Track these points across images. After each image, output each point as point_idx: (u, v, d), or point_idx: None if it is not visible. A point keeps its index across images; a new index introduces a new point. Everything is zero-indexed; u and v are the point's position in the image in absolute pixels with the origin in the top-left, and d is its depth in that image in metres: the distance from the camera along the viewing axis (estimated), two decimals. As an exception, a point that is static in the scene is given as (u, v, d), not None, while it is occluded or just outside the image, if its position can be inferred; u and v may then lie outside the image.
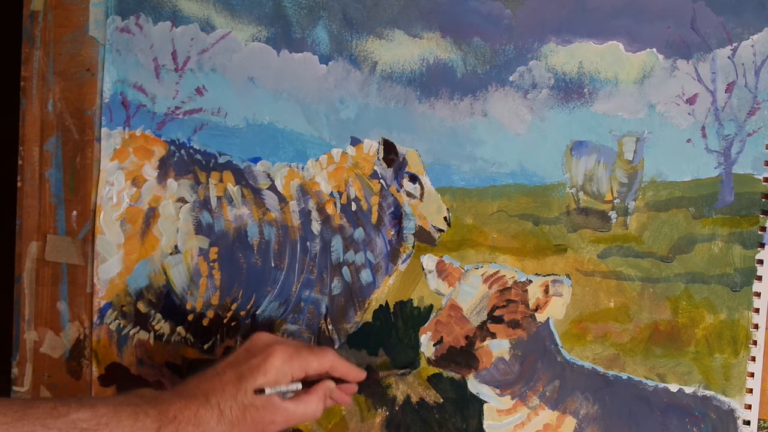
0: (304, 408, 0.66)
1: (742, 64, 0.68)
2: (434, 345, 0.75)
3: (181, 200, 0.80)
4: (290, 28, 0.77)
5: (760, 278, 0.68)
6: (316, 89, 0.77)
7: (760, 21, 0.67)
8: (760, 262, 0.68)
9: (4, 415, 0.60)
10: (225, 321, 0.80)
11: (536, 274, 0.73)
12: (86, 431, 0.62)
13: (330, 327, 0.78)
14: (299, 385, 0.67)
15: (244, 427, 0.65)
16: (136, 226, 0.81)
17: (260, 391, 0.64)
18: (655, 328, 0.70)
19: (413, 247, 0.75)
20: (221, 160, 0.79)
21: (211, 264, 0.80)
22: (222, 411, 0.64)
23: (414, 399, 0.76)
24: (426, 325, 0.75)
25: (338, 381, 0.69)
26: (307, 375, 0.67)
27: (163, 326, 0.82)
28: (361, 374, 0.70)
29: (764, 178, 0.68)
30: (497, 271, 0.73)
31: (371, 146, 0.76)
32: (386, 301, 0.76)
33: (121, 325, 0.82)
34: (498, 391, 0.74)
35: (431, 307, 0.75)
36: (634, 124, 0.70)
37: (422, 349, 0.75)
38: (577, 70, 0.71)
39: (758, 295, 0.69)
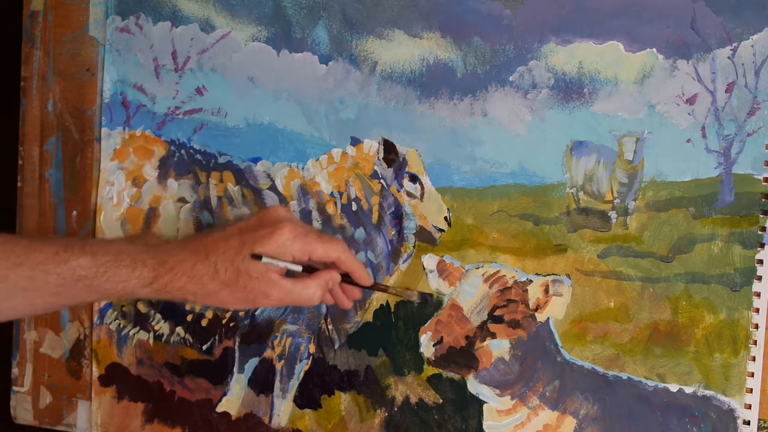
0: (300, 289, 0.67)
1: (742, 64, 0.68)
2: (434, 345, 0.75)
3: (182, 200, 0.80)
4: (290, 28, 0.77)
5: (760, 278, 0.68)
6: (316, 89, 0.77)
7: (760, 21, 0.67)
8: (760, 262, 0.68)
9: (5, 260, 0.61)
10: (224, 321, 0.80)
11: (536, 273, 0.73)
12: (85, 278, 0.63)
13: (330, 327, 0.78)
14: (299, 268, 0.67)
15: (235, 290, 0.65)
16: (137, 226, 0.81)
17: (257, 257, 0.65)
18: (655, 328, 0.70)
19: (414, 246, 0.75)
20: (221, 160, 0.79)
21: (211, 264, 0.80)
22: (217, 270, 0.65)
23: (413, 400, 0.76)
24: (426, 325, 0.75)
25: (347, 280, 0.70)
26: (311, 260, 0.67)
27: (162, 326, 0.82)
28: (367, 279, 0.70)
29: (764, 178, 0.68)
30: (498, 271, 0.73)
31: (371, 146, 0.76)
32: (387, 300, 0.76)
33: (121, 325, 0.82)
34: (498, 391, 0.74)
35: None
36: (634, 124, 0.70)
37: (422, 349, 0.75)
38: (577, 70, 0.71)
39: (758, 295, 0.68)
